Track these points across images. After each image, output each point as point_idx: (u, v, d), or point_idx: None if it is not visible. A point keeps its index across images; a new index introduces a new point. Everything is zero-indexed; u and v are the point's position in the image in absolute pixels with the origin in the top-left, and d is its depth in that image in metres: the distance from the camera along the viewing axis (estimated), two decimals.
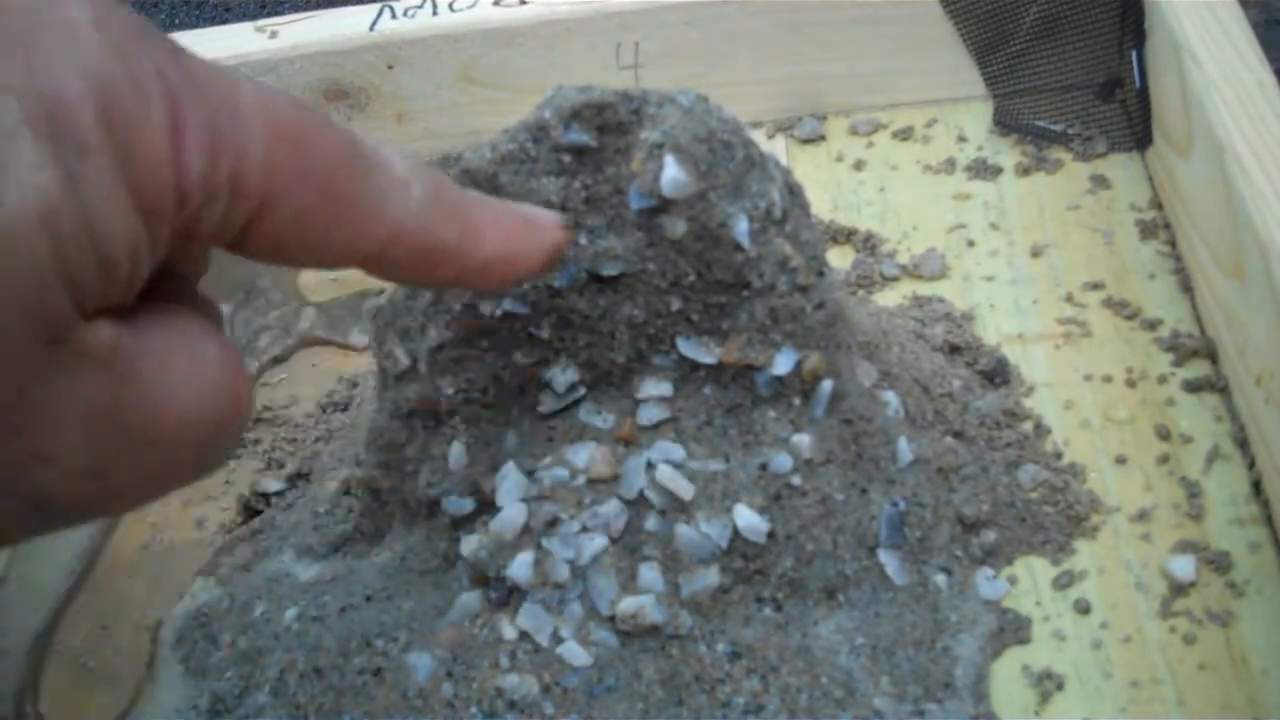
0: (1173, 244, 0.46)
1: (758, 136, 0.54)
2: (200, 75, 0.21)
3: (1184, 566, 0.36)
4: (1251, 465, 0.39)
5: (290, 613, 0.36)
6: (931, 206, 0.50)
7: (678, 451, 0.35)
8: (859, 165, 0.52)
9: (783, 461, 0.34)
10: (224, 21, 0.60)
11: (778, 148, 0.54)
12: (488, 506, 0.35)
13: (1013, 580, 0.37)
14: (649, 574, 0.34)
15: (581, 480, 0.34)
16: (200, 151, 0.20)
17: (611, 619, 0.34)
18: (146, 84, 0.20)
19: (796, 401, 0.35)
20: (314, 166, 0.23)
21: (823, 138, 0.54)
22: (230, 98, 0.21)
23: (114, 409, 0.20)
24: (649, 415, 0.35)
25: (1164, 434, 0.40)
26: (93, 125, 0.19)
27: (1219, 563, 0.36)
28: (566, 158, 0.33)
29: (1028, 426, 0.41)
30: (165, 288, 0.22)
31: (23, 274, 0.18)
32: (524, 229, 0.29)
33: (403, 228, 0.25)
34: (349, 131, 0.24)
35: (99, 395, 0.20)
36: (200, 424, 0.22)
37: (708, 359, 0.35)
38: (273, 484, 0.43)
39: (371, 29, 0.54)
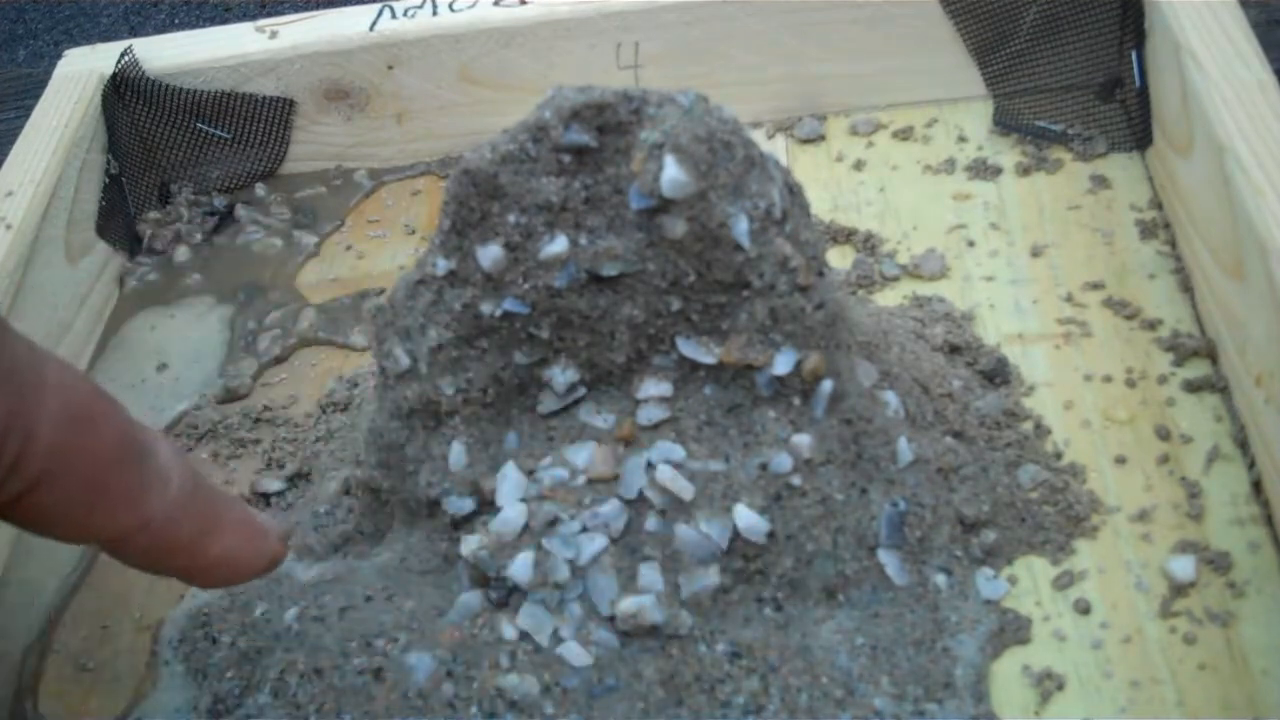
0: (1173, 244, 0.46)
1: (758, 136, 0.54)
2: (11, 357, 0.23)
3: (1184, 566, 0.36)
4: (1251, 465, 0.38)
5: (290, 613, 0.36)
6: (931, 206, 0.50)
7: (678, 451, 0.35)
8: (859, 165, 0.52)
9: (783, 461, 0.34)
10: (224, 21, 0.60)
11: (778, 148, 0.54)
12: (488, 506, 0.35)
13: (1013, 580, 0.37)
14: (649, 574, 0.34)
15: (581, 480, 0.34)
16: None
17: (611, 619, 0.34)
18: None
19: (796, 401, 0.35)
20: (93, 453, 0.25)
21: (823, 138, 0.54)
22: (36, 380, 0.23)
23: None
24: (649, 415, 0.35)
25: (1164, 434, 0.40)
26: None
27: (1219, 563, 0.36)
28: (566, 158, 0.33)
29: (1028, 426, 0.41)
30: None
31: None
32: (256, 536, 0.31)
33: (151, 520, 0.27)
34: (127, 418, 0.26)
35: None
36: None
37: (708, 359, 0.35)
38: (273, 484, 0.43)
39: (371, 29, 0.55)
